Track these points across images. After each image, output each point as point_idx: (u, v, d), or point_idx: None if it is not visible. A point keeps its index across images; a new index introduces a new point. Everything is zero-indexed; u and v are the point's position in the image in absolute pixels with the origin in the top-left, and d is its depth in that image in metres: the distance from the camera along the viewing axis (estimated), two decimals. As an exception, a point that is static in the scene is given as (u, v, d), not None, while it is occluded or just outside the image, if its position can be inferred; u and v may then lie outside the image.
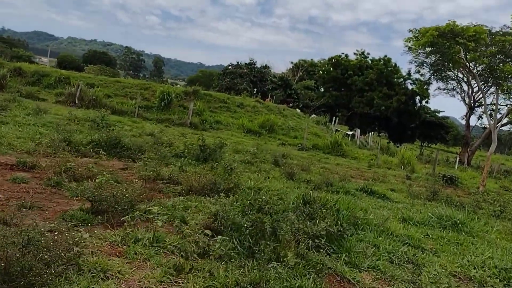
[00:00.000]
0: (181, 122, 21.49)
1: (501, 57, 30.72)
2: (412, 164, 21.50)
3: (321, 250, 5.31)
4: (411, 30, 26.68)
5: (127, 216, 5.19)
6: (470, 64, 28.10)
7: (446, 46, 26.03)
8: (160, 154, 10.34)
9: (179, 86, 45.83)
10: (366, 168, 19.04)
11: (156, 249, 4.62)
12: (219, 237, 4.90)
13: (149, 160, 9.16)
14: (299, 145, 21.67)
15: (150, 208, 5.69)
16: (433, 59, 36.56)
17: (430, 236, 7.42)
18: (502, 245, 7.65)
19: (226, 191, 7.43)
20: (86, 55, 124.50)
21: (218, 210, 5.49)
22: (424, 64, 40.67)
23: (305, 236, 5.43)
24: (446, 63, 31.74)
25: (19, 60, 38.42)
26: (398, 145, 54.44)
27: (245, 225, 5.11)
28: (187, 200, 6.84)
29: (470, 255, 6.44)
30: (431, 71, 39.58)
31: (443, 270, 5.52)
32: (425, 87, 49.20)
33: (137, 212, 5.42)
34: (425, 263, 5.71)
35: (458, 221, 8.49)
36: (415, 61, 39.18)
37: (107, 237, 4.75)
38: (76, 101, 21.36)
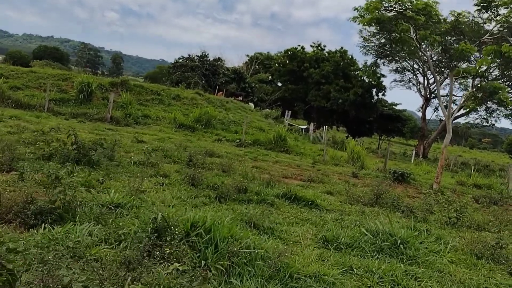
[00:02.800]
0: (100, 117, 18.51)
1: (455, 35, 28.87)
2: (362, 159, 19.42)
3: None
4: (356, 8, 24.60)
5: None
6: (422, 45, 26.23)
7: (393, 24, 24.00)
8: (9, 155, 7.52)
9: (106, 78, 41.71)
10: (310, 165, 16.75)
11: None
12: None
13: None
14: (238, 140, 19.15)
15: None
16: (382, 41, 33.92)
17: (355, 270, 5.03)
18: (458, 276, 5.37)
19: (49, 214, 4.75)
20: (36, 51, 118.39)
21: None
22: (372, 47, 37.73)
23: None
24: (393, 44, 29.60)
25: None
26: (357, 139, 53.12)
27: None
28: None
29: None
30: (377, 53, 36.88)
31: None
32: (372, 69, 45.57)
33: None
34: None
35: (399, 240, 6.17)
36: (364, 46, 36.37)
37: None
38: (-28, 94, 17.99)
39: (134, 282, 3.29)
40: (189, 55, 53.77)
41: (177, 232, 4.25)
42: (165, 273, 3.52)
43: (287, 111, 37.83)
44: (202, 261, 4.10)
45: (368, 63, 48.72)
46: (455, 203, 9.48)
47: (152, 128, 19.12)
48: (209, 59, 53.14)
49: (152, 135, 16.85)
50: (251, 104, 41.91)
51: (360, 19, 24.74)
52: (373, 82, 54.93)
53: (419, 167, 23.47)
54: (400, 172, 15.57)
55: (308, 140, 32.59)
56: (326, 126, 41.00)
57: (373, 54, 42.14)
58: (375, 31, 31.95)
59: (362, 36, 38.41)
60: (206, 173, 10.26)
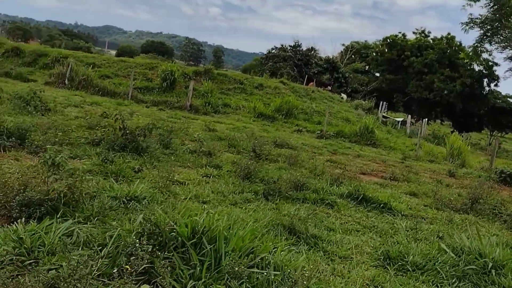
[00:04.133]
0: (180, 105, 18.42)
1: None
2: (464, 156, 16.85)
3: None
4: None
5: None
6: None
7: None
8: (58, 139, 7.23)
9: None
10: (399, 161, 14.85)
11: None
12: None
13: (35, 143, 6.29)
14: (319, 132, 17.78)
15: None
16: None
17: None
18: None
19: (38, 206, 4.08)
20: (144, 46, 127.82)
21: None
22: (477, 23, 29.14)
23: None
24: (503, 19, 24.85)
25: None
26: (464, 134, 48.04)
27: None
28: None
29: None
30: (483, 31, 29.74)
31: None
32: (477, 49, 32.36)
33: None
34: None
35: (491, 263, 4.57)
36: (467, 23, 29.01)
37: None
38: (66, 82, 19.00)
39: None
40: (282, 45, 52.93)
41: (167, 240, 3.28)
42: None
43: (382, 102, 35.18)
44: (192, 282, 3.08)
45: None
46: None
47: (230, 117, 18.57)
48: (301, 49, 51.77)
49: (228, 124, 16.26)
50: (344, 95, 39.85)
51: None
52: (484, 71, 49.22)
53: (536, 168, 19.94)
54: (508, 172, 13.06)
55: (404, 134, 29.88)
56: (426, 119, 37.43)
57: (478, 31, 33.63)
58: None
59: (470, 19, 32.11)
60: (268, 166, 9.25)
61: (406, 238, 5.58)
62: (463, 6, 24.63)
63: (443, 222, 6.86)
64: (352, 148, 16.01)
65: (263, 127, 17.59)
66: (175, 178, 6.50)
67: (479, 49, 28.23)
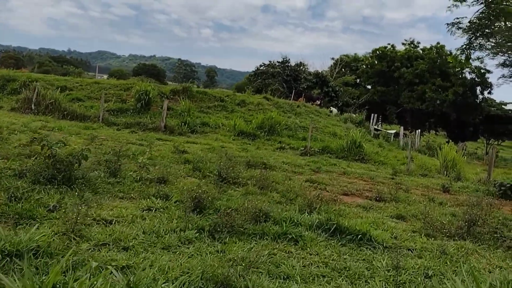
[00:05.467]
0: (155, 126, 17.26)
1: None
2: (459, 167, 15.67)
3: None
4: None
5: None
6: None
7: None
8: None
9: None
10: (388, 177, 13.65)
11: None
12: None
13: None
14: (302, 148, 16.60)
15: None
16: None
17: None
18: None
19: None
20: (136, 69, 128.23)
21: None
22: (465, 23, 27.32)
23: None
24: (492, 17, 23.65)
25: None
26: (459, 144, 46.97)
27: None
28: None
29: None
30: (470, 31, 27.94)
31: None
32: (465, 52, 31.04)
33: None
34: None
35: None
36: (453, 24, 26.96)
37: None
38: (33, 107, 17.86)
39: None
40: (270, 61, 52.25)
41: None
42: None
43: (373, 114, 34.15)
44: None
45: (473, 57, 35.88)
46: None
47: (208, 136, 17.40)
48: (290, 65, 51.05)
49: (203, 144, 15.08)
50: (333, 109, 38.88)
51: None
52: (476, 79, 48.57)
53: (537, 177, 18.78)
54: (509, 185, 11.87)
55: (397, 147, 28.76)
56: (419, 130, 36.40)
57: (466, 32, 31.91)
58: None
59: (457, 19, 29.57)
60: (233, 191, 8.05)
61: (384, 283, 4.36)
62: (448, 7, 23.57)
63: (434, 254, 5.63)
64: (338, 164, 14.82)
65: (242, 145, 16.42)
66: (101, 216, 5.28)
67: (467, 51, 26.90)
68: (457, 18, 25.24)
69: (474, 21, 23.97)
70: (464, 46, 27.41)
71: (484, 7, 21.45)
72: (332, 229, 5.88)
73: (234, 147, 15.71)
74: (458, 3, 22.67)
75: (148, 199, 6.48)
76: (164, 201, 6.47)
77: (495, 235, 6.88)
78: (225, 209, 6.20)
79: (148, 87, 19.69)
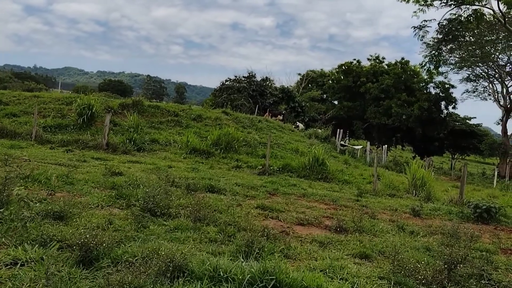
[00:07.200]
0: (96, 144, 15.33)
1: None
2: (428, 186, 14.46)
3: None
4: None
5: None
6: (504, 15, 20.03)
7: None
8: None
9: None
10: (353, 198, 12.23)
11: None
12: None
13: None
14: (260, 167, 15.04)
15: None
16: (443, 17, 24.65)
17: None
18: None
19: None
20: (102, 85, 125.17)
21: None
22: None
23: None
24: (464, 19, 22.85)
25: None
26: (425, 159, 46.72)
27: None
28: None
29: None
30: (440, 37, 26.59)
31: None
32: (433, 59, 27.61)
33: None
34: None
35: None
36: (420, 27, 25.30)
37: None
38: (-46, 123, 15.62)
39: None
40: (236, 76, 50.94)
41: None
42: None
43: (338, 130, 33.14)
44: None
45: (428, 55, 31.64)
46: None
47: (157, 154, 15.60)
48: (256, 80, 49.87)
49: (147, 164, 13.28)
50: (300, 124, 37.77)
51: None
52: (440, 93, 48.77)
53: (508, 194, 17.91)
54: (484, 207, 10.64)
55: (364, 163, 27.65)
56: (386, 145, 35.64)
57: (434, 40, 30.39)
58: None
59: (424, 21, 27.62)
60: (157, 227, 6.36)
61: None
62: (415, 12, 22.63)
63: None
64: (298, 185, 13.30)
65: (194, 165, 14.70)
66: None
67: (436, 58, 25.78)
68: (425, 21, 24.24)
69: (444, 23, 23.12)
70: (433, 52, 26.54)
71: (454, 7, 20.60)
72: (270, 287, 4.26)
73: (183, 166, 13.98)
74: (425, 8, 21.78)
75: (19, 247, 4.69)
76: (42, 249, 4.69)
77: (481, 280, 5.45)
78: (126, 260, 4.51)
79: (91, 101, 17.73)
